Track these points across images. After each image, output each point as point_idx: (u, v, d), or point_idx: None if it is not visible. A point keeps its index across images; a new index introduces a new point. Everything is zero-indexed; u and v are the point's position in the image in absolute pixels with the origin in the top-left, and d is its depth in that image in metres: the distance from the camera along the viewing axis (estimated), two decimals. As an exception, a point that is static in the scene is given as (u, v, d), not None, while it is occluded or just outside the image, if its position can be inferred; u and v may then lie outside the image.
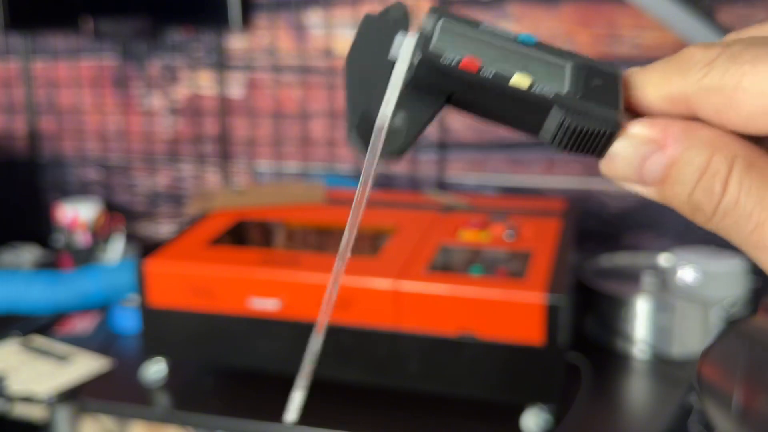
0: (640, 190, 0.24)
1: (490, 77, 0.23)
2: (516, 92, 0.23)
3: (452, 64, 0.23)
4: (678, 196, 0.23)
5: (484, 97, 0.24)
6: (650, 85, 0.24)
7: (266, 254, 1.07)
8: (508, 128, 0.25)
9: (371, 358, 0.99)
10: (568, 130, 0.23)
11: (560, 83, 0.24)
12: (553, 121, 0.23)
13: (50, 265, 1.56)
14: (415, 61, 0.23)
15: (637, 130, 0.23)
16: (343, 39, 1.51)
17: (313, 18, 1.52)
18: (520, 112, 0.24)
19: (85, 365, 1.16)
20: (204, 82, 1.62)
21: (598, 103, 0.24)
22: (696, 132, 0.23)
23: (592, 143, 0.24)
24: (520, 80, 0.23)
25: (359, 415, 1.02)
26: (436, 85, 0.24)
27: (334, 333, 0.94)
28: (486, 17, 1.43)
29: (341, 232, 1.15)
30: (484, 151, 1.48)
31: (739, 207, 0.22)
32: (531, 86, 0.23)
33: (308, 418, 0.98)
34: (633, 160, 0.23)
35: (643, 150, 0.23)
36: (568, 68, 0.24)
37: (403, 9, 0.26)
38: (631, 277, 1.26)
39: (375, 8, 1.49)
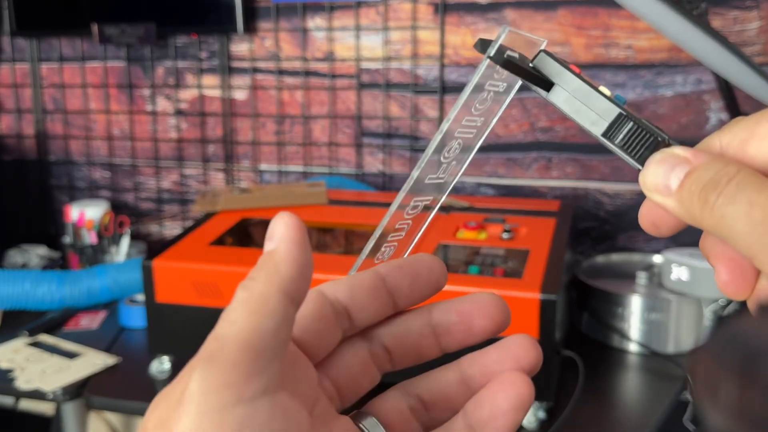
0: (663, 201, 0.29)
1: (586, 80, 0.32)
2: (601, 96, 0.32)
3: (566, 64, 0.33)
4: (692, 194, 0.27)
5: (576, 93, 0.32)
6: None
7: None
8: (577, 124, 0.33)
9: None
10: (630, 131, 0.31)
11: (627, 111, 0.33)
12: (620, 121, 0.31)
13: (58, 264, 1.58)
14: (543, 46, 0.33)
15: (675, 149, 0.29)
16: (345, 43, 1.54)
17: (316, 22, 1.55)
18: (589, 112, 0.32)
19: (92, 362, 1.18)
20: (209, 85, 1.65)
21: (654, 126, 0.32)
22: (718, 156, 0.28)
23: (641, 147, 0.31)
24: (604, 90, 0.32)
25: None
26: (549, 72, 0.33)
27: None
28: (483, 22, 1.46)
29: (342, 231, 1.18)
30: (482, 152, 1.50)
31: (737, 199, 0.26)
32: (610, 97, 0.32)
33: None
34: (664, 167, 0.28)
35: (674, 161, 0.28)
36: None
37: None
38: (626, 276, 1.28)
39: (376, 14, 1.52)
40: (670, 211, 0.28)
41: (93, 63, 1.70)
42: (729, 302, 1.21)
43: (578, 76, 0.32)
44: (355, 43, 1.53)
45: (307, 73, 1.57)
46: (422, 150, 1.54)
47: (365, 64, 1.54)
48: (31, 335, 1.27)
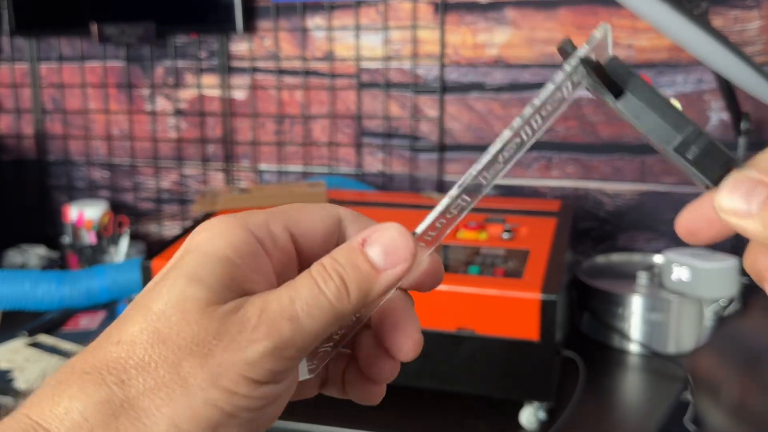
0: (741, 223, 0.29)
1: (657, 90, 0.31)
2: (671, 107, 0.31)
3: (636, 72, 0.32)
4: None
5: (647, 102, 0.31)
6: None
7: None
8: (644, 136, 0.31)
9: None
10: (703, 147, 0.30)
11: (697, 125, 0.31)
12: (693, 136, 0.30)
13: (57, 264, 1.58)
14: (611, 53, 0.32)
15: (749, 171, 0.29)
16: (345, 43, 1.54)
17: (316, 22, 1.55)
18: (661, 124, 0.31)
19: (92, 362, 1.18)
20: (208, 85, 1.64)
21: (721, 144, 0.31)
22: None
23: (713, 164, 0.30)
24: (675, 102, 0.31)
25: (359, 411, 1.03)
26: (620, 79, 0.32)
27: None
28: (483, 21, 1.46)
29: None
30: (482, 152, 1.50)
31: None
32: (681, 112, 0.31)
33: (307, 416, 1.00)
34: (741, 190, 0.29)
35: (750, 184, 0.29)
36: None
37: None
38: (626, 276, 1.27)
39: (375, 13, 1.51)
40: (751, 234, 0.29)
41: (92, 63, 1.70)
42: (730, 302, 1.20)
43: (649, 86, 0.32)
44: (355, 42, 1.53)
45: (307, 73, 1.57)
46: (422, 150, 1.54)
47: (365, 64, 1.53)
48: (31, 335, 1.26)
